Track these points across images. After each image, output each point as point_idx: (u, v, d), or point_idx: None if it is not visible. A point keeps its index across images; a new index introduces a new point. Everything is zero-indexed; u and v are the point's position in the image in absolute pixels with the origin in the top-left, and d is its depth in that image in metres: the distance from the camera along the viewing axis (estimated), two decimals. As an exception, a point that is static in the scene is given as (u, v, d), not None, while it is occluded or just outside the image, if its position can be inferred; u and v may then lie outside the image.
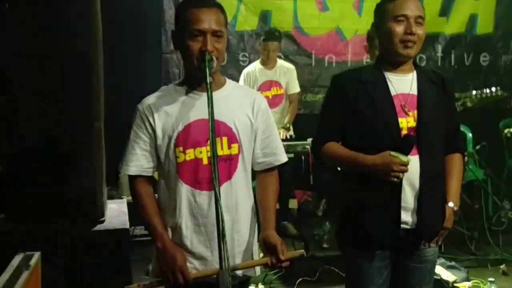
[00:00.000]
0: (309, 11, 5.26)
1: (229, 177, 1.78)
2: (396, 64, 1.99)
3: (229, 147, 1.77)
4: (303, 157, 4.03)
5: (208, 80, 1.59)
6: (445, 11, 5.50)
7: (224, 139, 1.76)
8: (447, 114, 2.03)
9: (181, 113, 1.76)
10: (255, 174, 1.91)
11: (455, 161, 2.10)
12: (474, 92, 3.43)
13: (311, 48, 5.32)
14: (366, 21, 5.32)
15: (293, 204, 4.81)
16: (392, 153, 1.85)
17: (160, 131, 1.76)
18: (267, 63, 4.55)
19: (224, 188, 1.75)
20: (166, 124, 1.76)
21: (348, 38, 5.34)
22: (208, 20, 1.68)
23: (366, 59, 5.32)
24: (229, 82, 1.88)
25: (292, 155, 3.76)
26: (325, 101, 2.16)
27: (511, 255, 3.99)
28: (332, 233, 4.20)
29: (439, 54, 5.60)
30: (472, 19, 5.59)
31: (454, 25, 5.59)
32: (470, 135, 4.65)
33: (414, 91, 1.98)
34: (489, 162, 4.59)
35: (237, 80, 4.16)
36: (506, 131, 4.69)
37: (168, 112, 1.76)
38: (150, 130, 1.77)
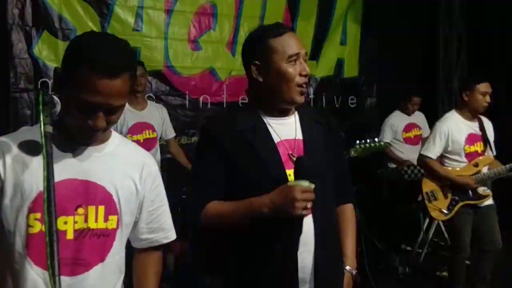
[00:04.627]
0: (181, 50, 4.95)
1: (101, 259, 1.35)
2: (281, 110, 1.69)
3: (106, 219, 1.35)
4: (179, 209, 3.61)
5: (43, 130, 1.14)
6: (314, 55, 5.64)
7: (101, 208, 1.34)
8: (335, 158, 1.75)
9: None
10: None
11: (348, 214, 1.82)
12: (358, 141, 3.38)
13: (185, 88, 4.98)
14: (240, 62, 5.18)
15: (169, 258, 4.32)
16: (290, 183, 1.53)
17: (11, 186, 1.27)
18: (138, 97, 4.02)
19: (93, 274, 1.32)
20: (22, 178, 1.27)
21: (223, 79, 5.14)
22: (106, 95, 1.23)
23: (242, 100, 5.19)
24: (114, 137, 1.45)
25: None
26: (197, 154, 1.72)
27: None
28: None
29: (311, 95, 5.71)
30: (339, 63, 5.83)
31: (323, 68, 5.76)
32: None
33: (299, 135, 1.68)
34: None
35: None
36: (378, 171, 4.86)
37: (27, 163, 1.28)
38: None
